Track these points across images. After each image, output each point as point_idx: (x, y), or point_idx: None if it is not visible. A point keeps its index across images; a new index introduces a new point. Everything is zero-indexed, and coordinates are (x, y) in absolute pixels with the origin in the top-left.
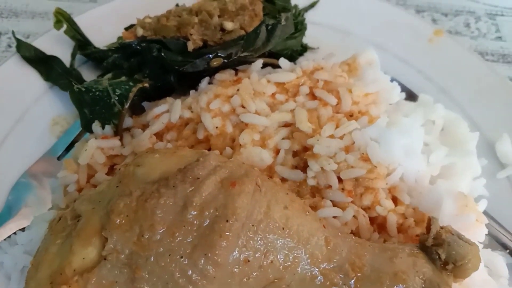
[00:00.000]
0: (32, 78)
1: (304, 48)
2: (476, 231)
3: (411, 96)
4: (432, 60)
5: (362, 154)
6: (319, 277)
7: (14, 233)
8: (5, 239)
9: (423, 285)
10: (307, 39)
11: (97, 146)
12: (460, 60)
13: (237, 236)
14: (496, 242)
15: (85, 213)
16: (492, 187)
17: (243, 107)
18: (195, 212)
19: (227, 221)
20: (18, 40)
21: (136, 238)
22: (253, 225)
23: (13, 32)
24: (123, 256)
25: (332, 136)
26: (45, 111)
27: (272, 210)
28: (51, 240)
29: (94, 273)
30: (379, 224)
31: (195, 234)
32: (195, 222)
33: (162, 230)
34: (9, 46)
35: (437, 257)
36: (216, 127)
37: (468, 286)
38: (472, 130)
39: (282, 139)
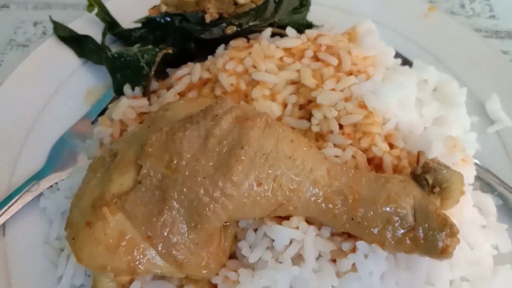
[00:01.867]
0: (67, 55)
1: (309, 25)
2: (464, 171)
3: (407, 63)
4: (427, 33)
5: (359, 102)
6: (321, 200)
7: (56, 183)
8: (47, 188)
9: (413, 205)
10: (311, 17)
11: (128, 105)
12: (453, 31)
13: (250, 161)
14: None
15: (121, 150)
16: (483, 141)
17: (255, 67)
18: (215, 141)
19: (242, 148)
20: (54, 22)
21: (166, 164)
22: (264, 154)
23: (50, 17)
24: (155, 179)
25: (333, 90)
26: (80, 83)
27: (280, 142)
28: (91, 175)
29: (130, 195)
30: (376, 165)
31: (215, 159)
32: (215, 149)
33: (188, 156)
34: (44, 33)
35: (425, 183)
36: (232, 85)
37: (458, 222)
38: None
39: (290, 94)
